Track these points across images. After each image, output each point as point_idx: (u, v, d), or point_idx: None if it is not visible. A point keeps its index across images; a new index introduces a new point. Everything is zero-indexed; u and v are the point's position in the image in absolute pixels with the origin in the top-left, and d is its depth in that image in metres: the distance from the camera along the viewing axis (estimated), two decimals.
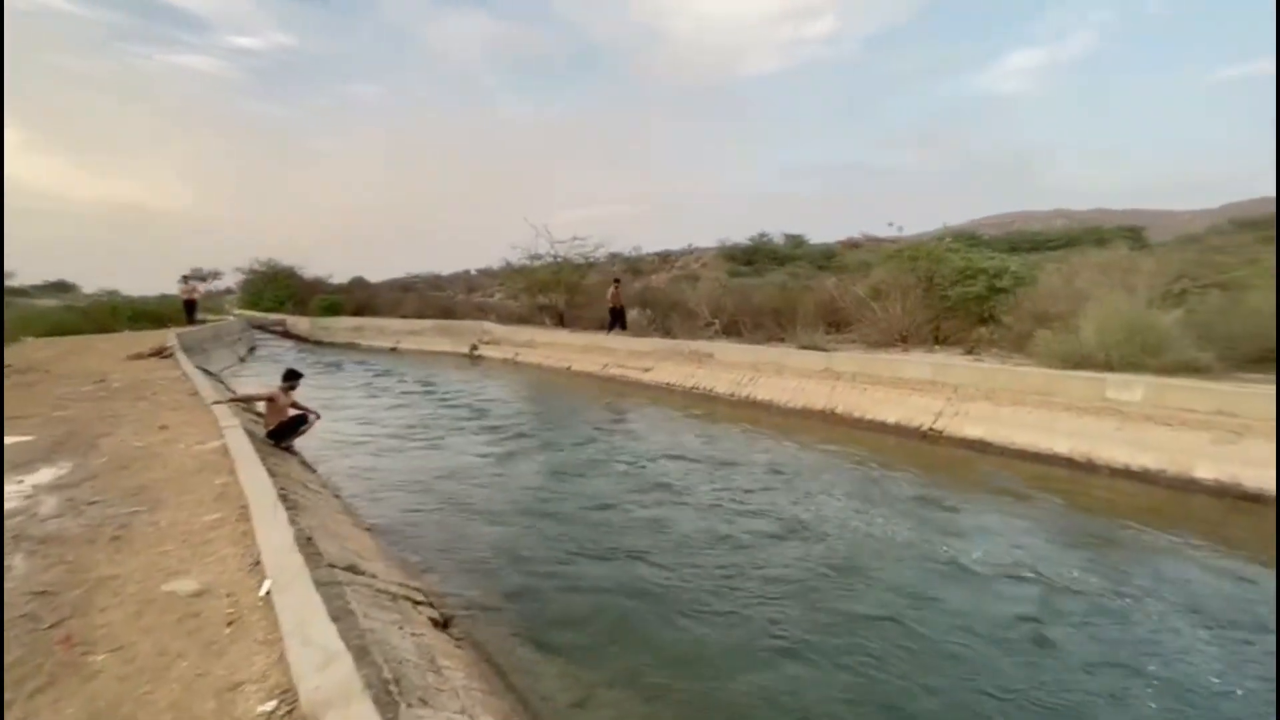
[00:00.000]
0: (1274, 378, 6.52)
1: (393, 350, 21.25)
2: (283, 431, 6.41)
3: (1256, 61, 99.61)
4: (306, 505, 4.49)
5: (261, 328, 28.08)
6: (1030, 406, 7.56)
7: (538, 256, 20.07)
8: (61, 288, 42.07)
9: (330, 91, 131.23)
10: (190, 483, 4.51)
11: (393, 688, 2.22)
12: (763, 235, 32.54)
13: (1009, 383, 7.96)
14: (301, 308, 29.45)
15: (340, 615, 2.62)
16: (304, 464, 6.51)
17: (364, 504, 5.89)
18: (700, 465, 7.13)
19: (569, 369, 15.24)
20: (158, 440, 5.78)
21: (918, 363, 9.25)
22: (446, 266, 50.51)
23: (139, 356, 12.07)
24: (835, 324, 13.35)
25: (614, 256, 24.95)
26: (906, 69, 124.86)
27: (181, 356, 11.93)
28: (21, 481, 4.49)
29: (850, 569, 4.49)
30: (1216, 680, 3.21)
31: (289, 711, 1.98)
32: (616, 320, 16.22)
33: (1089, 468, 6.64)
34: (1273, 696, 3.06)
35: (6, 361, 10.14)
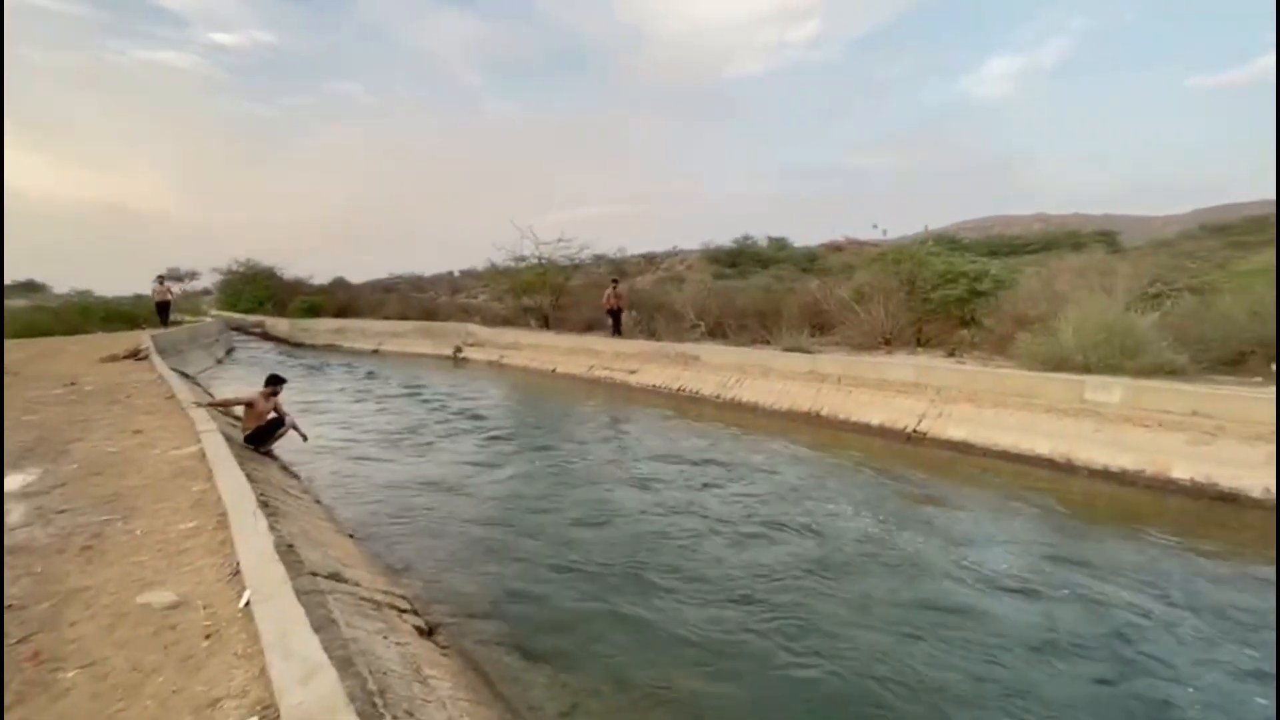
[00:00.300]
0: (1255, 380, 6.67)
1: (375, 352, 20.98)
2: (261, 435, 6.28)
3: (1228, 71, 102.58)
4: (287, 511, 4.39)
5: (240, 329, 27.60)
6: (1011, 408, 7.66)
7: (522, 258, 19.94)
8: (30, 287, 40.90)
9: (312, 90, 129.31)
10: (166, 489, 4.39)
11: (377, 700, 2.16)
12: (747, 238, 32.76)
13: (991, 385, 8.06)
14: (281, 309, 29.01)
15: (323, 625, 2.56)
16: (284, 469, 6.38)
17: (346, 509, 5.78)
18: (687, 468, 7.11)
19: (554, 371, 15.16)
20: (132, 445, 5.62)
21: (901, 365, 9.34)
22: (430, 268, 50.07)
23: (113, 359, 11.77)
24: (819, 326, 13.45)
25: (599, 258, 24.89)
26: (889, 74, 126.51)
27: (157, 359, 11.66)
28: None
29: (841, 569, 4.50)
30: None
31: None
32: (616, 322, 15.60)
33: (1069, 469, 6.75)
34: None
35: None
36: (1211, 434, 6.15)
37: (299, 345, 23.50)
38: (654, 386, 12.43)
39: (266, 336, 26.36)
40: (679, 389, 11.96)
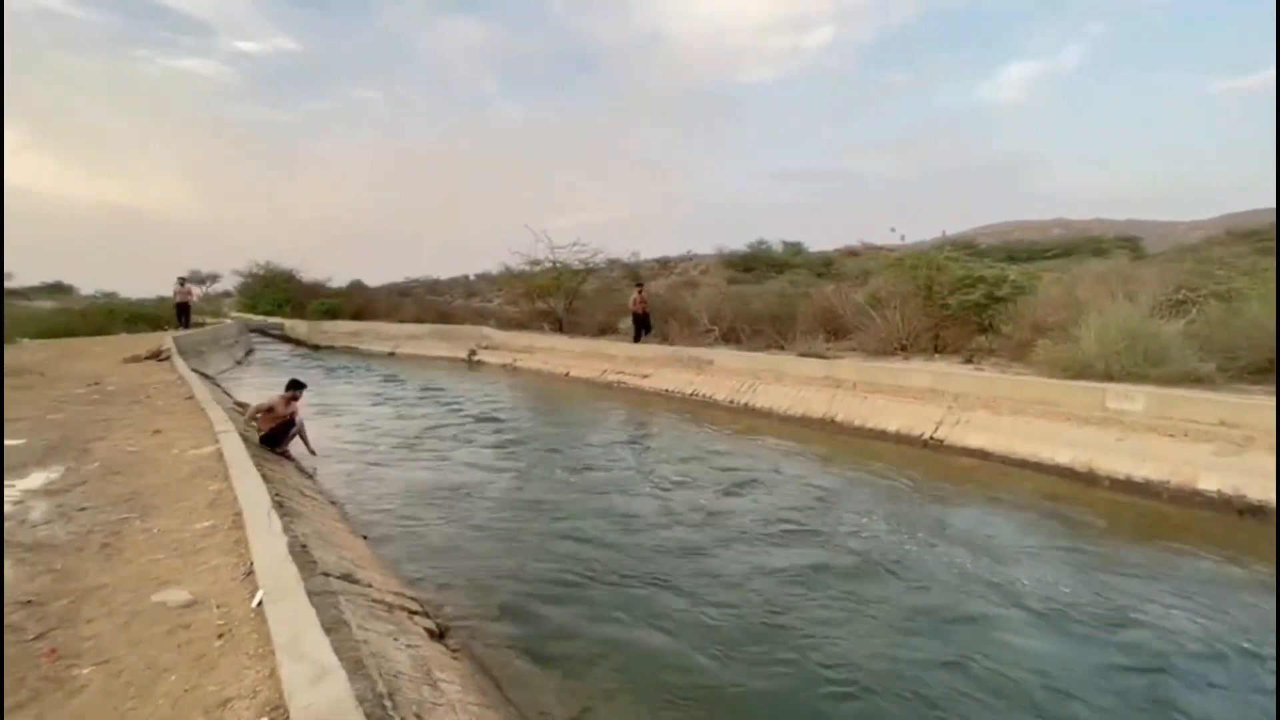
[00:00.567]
0: (1274, 389, 6.50)
1: (391, 355, 21.17)
2: (276, 436, 6.36)
3: (1248, 76, 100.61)
4: (302, 512, 4.43)
5: (260, 331, 28.04)
6: (1031, 416, 7.52)
7: (537, 262, 20.05)
8: (58, 289, 42.01)
9: (330, 95, 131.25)
10: (183, 489, 4.45)
11: (387, 703, 2.16)
12: (761, 242, 32.63)
13: (1009, 392, 7.92)
14: (299, 311, 29.37)
15: (334, 626, 2.56)
16: (300, 470, 6.44)
17: (361, 511, 5.82)
18: (700, 475, 7.07)
19: (568, 375, 15.18)
20: (151, 445, 5.71)
21: (918, 371, 9.22)
22: (445, 271, 50.49)
23: (135, 359, 12.01)
24: (834, 332, 13.32)
25: (613, 262, 24.91)
26: (904, 79, 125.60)
27: (178, 360, 11.87)
28: (12, 486, 4.42)
29: (854, 575, 4.43)
30: None
31: None
32: (641, 327, 15.23)
33: (1090, 479, 6.60)
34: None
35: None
36: (1240, 444, 5.98)
37: (317, 347, 23.79)
38: (667, 391, 12.39)
39: (285, 339, 26.72)
40: (692, 394, 11.91)
